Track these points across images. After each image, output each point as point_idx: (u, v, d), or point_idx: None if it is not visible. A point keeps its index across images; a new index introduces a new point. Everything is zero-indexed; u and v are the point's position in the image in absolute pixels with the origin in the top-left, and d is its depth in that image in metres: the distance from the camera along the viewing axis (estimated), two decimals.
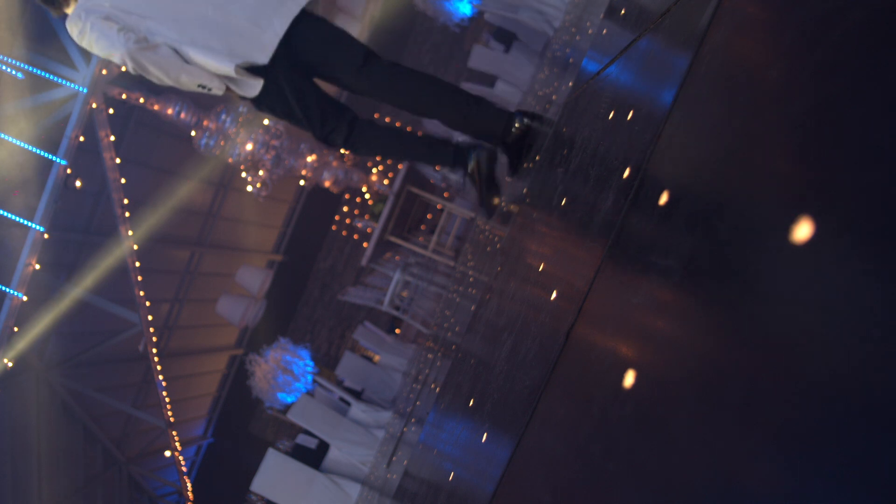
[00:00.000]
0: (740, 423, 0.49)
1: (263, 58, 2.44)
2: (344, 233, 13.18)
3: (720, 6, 0.93)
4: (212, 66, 2.40)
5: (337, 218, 13.17)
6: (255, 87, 2.49)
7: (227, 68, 2.39)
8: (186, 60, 2.42)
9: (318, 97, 2.63)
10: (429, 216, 11.20)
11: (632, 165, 1.05)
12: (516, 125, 2.54)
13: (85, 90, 7.55)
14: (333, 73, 2.59)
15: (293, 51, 2.51)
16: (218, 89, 2.48)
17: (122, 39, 2.35)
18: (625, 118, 1.28)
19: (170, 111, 8.61)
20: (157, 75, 2.42)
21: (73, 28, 2.48)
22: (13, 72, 7.17)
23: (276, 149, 9.19)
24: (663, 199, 0.84)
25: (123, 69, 2.59)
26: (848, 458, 0.39)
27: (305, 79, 2.60)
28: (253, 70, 2.47)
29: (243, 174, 9.32)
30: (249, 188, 9.40)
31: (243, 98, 2.56)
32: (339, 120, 2.67)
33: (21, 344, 8.03)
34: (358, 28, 12.24)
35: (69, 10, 2.58)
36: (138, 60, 2.37)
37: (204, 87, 2.47)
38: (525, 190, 2.59)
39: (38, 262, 7.79)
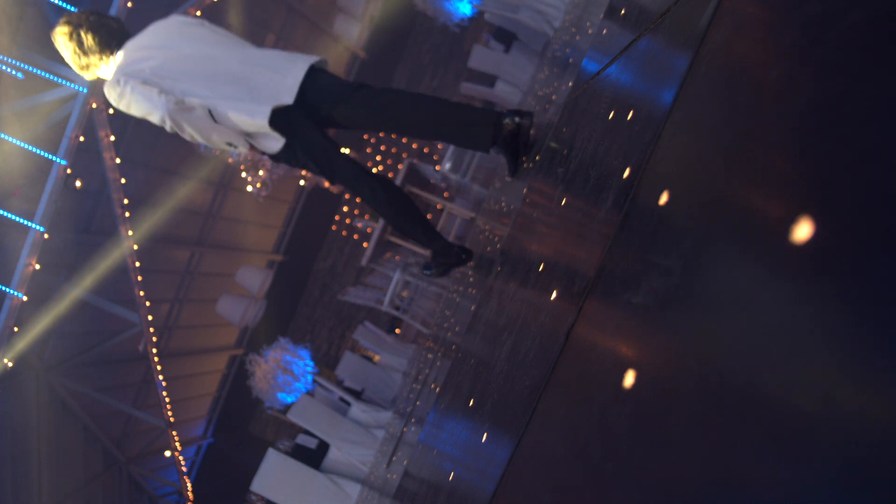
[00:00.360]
0: (740, 424, 0.49)
1: (289, 98, 2.61)
2: (344, 233, 13.17)
3: (720, 6, 0.93)
4: (247, 122, 2.61)
5: (337, 218, 13.16)
6: (278, 143, 2.68)
7: (262, 122, 2.59)
8: (216, 119, 2.64)
9: (328, 149, 2.82)
10: (429, 216, 11.20)
11: (632, 165, 1.05)
12: (507, 122, 2.58)
13: (85, 90, 7.55)
14: (336, 108, 2.73)
15: (306, 100, 2.69)
16: (243, 146, 2.70)
17: (162, 101, 2.59)
18: (625, 118, 1.28)
19: None
20: (191, 133, 2.65)
21: (111, 92, 2.71)
22: (13, 72, 7.17)
23: None
24: (663, 199, 0.84)
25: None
26: (847, 459, 0.39)
27: (316, 130, 2.78)
28: (277, 127, 2.66)
29: (243, 174, 9.32)
30: (249, 188, 9.40)
31: (263, 153, 2.76)
32: (349, 175, 2.86)
33: (21, 344, 8.03)
34: (358, 28, 12.24)
35: (106, 76, 2.83)
36: (176, 120, 2.60)
37: (231, 145, 2.71)
38: (525, 190, 2.59)
39: (38, 262, 7.79)
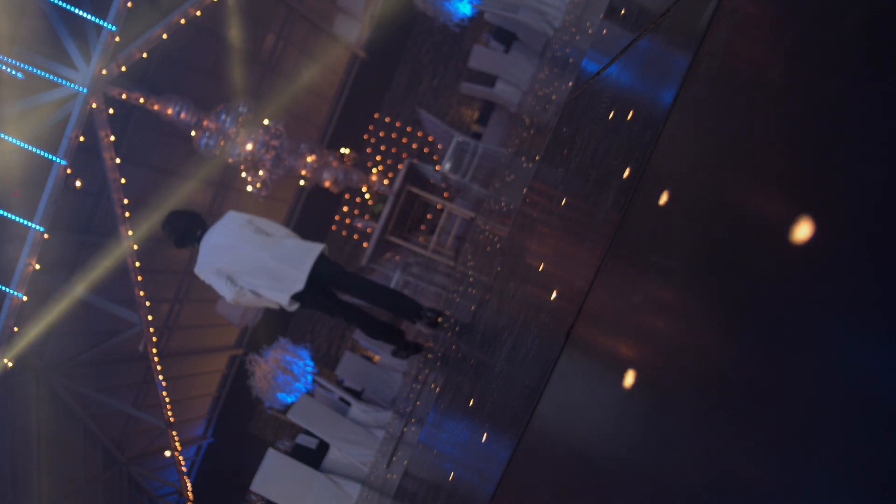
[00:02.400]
0: (740, 423, 0.49)
1: (300, 286, 4.33)
2: (344, 233, 13.17)
3: (720, 6, 0.93)
4: (275, 301, 4.42)
5: (337, 218, 13.16)
6: (294, 306, 4.46)
7: (284, 302, 4.40)
8: (259, 295, 4.40)
9: (331, 308, 4.67)
10: (429, 216, 11.20)
11: (632, 165, 1.05)
12: (427, 315, 4.63)
13: (85, 90, 7.55)
14: (333, 280, 4.55)
15: (315, 273, 4.39)
16: (275, 307, 4.47)
17: (228, 291, 4.32)
18: (625, 118, 1.28)
19: (170, 111, 8.60)
20: (247, 305, 4.63)
21: (199, 271, 4.44)
22: (13, 72, 7.17)
23: (276, 149, 9.19)
24: (663, 199, 0.84)
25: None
26: (846, 459, 0.39)
27: (319, 296, 4.52)
28: (295, 298, 4.44)
29: (243, 174, 9.32)
30: (249, 188, 9.39)
31: (288, 311, 4.56)
32: (345, 320, 4.79)
33: (21, 344, 8.02)
34: (358, 28, 12.23)
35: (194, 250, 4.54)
36: (238, 301, 4.37)
37: (269, 307, 4.49)
38: (525, 190, 2.59)
39: (38, 262, 7.79)
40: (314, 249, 4.41)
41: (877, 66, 0.49)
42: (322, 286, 4.50)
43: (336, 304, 4.64)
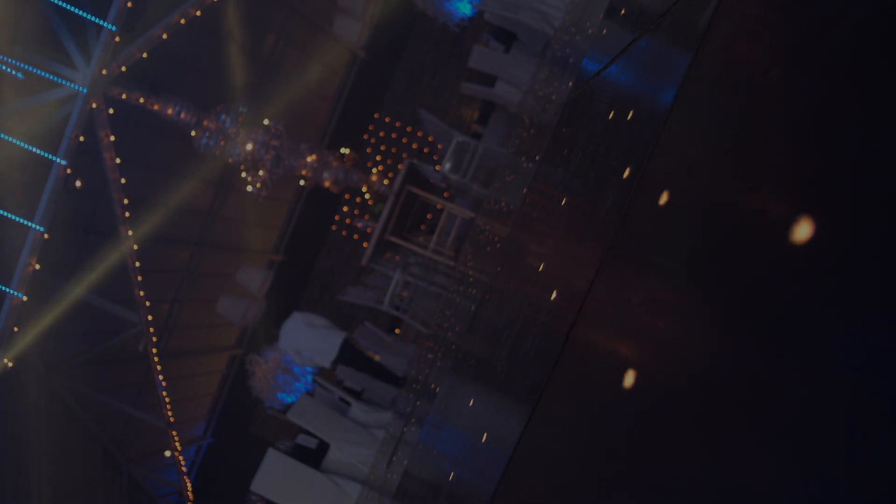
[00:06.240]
0: (740, 423, 0.49)
1: (334, 356, 7.90)
2: (344, 233, 13.17)
3: (720, 6, 0.93)
4: (322, 364, 8.14)
5: (337, 218, 13.16)
6: (333, 365, 8.18)
7: (327, 365, 8.03)
8: (312, 360, 8.20)
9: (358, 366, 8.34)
10: (429, 216, 11.20)
11: (632, 165, 1.05)
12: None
13: (85, 90, 7.55)
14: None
15: (343, 349, 7.97)
16: (326, 367, 8.21)
17: (296, 359, 8.06)
18: (625, 118, 1.28)
19: (170, 111, 8.60)
20: (305, 366, 8.89)
21: (281, 345, 8.63)
22: (13, 72, 7.16)
23: (276, 149, 9.19)
24: (663, 199, 0.84)
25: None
26: (846, 457, 0.39)
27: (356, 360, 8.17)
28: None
29: (243, 174, 9.31)
30: (249, 188, 9.39)
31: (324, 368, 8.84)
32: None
33: (21, 344, 8.02)
34: (358, 28, 12.23)
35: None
36: (302, 364, 8.44)
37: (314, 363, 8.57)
38: (525, 190, 2.58)
39: (38, 262, 7.78)
40: (340, 335, 7.73)
41: (875, 66, 0.49)
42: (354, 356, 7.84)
43: (367, 368, 7.81)
